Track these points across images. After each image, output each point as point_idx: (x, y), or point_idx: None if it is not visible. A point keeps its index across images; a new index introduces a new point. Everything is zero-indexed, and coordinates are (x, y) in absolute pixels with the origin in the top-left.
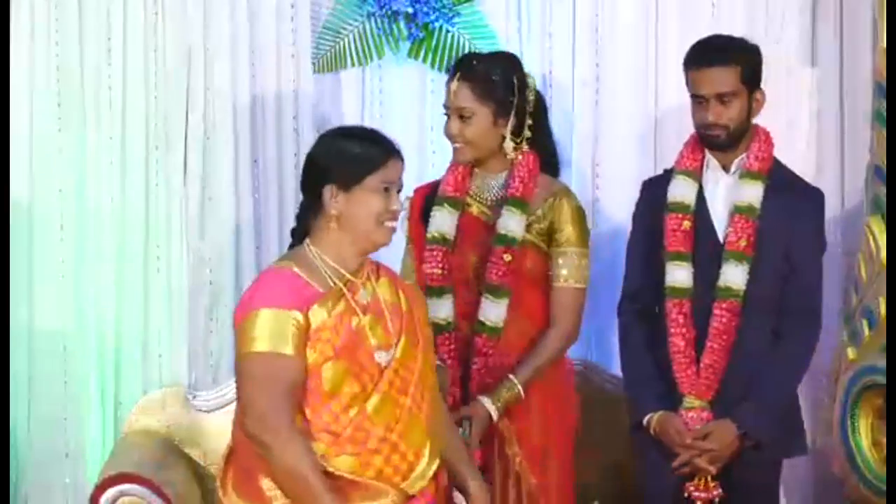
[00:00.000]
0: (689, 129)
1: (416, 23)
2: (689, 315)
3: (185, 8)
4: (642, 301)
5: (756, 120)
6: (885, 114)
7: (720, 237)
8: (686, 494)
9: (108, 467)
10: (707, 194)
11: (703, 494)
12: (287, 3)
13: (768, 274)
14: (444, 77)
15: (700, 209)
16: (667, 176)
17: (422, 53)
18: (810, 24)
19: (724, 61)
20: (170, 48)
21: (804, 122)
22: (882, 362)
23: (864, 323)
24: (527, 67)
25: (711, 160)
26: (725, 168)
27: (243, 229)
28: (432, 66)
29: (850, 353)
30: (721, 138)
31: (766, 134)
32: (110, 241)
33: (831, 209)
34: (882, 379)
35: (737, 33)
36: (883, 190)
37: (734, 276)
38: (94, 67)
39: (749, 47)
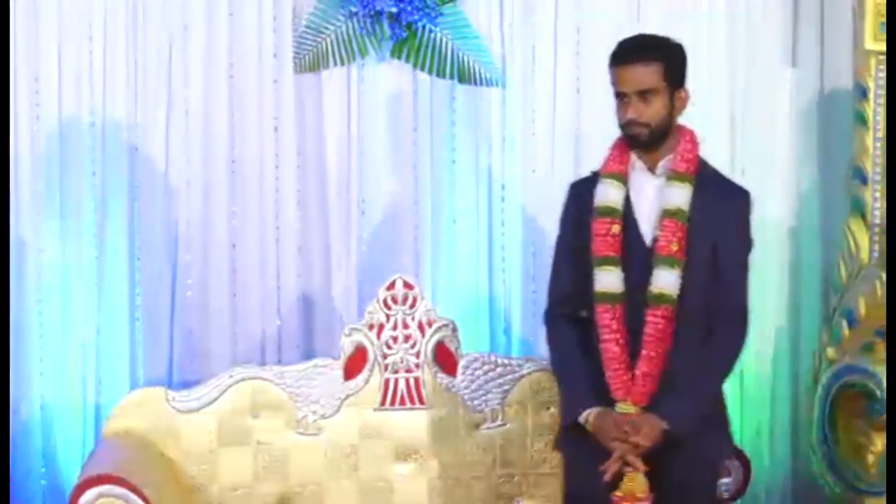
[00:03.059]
0: None
1: (400, 22)
2: (622, 320)
3: (165, 5)
4: (571, 306)
5: (738, 119)
6: (864, 115)
7: (647, 241)
8: None
9: (88, 468)
10: (633, 197)
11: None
12: (269, 2)
13: (700, 277)
14: (428, 77)
15: (627, 213)
16: (594, 178)
17: (405, 53)
18: (791, 25)
19: (646, 58)
20: (150, 45)
21: (784, 123)
22: (861, 362)
23: (844, 323)
24: (508, 66)
25: (637, 162)
26: (651, 170)
27: (221, 228)
28: (415, 65)
29: (830, 352)
30: (643, 136)
31: (692, 134)
32: (90, 240)
33: (812, 210)
34: (861, 379)
35: (719, 33)
36: (862, 190)
37: (666, 281)
38: (75, 69)
39: (672, 45)
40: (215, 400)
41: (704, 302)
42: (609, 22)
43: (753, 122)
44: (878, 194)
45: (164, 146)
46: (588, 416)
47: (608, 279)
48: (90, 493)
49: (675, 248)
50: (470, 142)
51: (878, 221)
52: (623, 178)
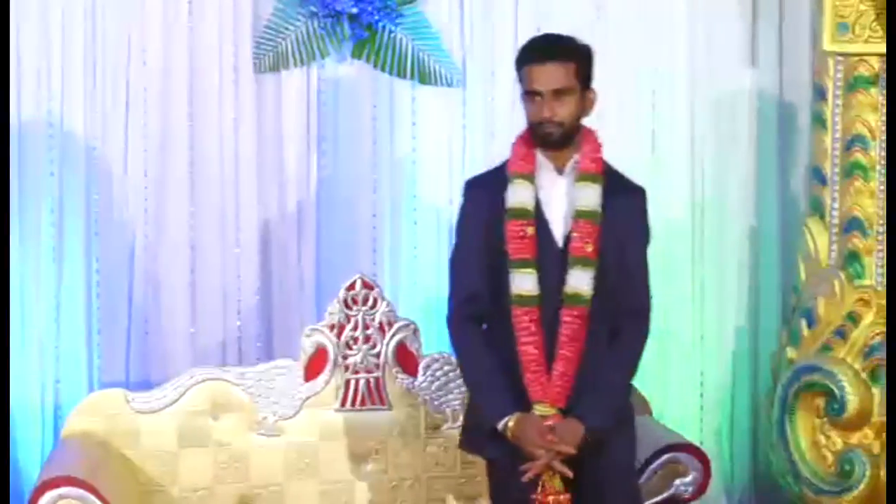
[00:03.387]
0: (630, 126)
1: (360, 23)
2: (539, 322)
3: (124, 5)
4: (476, 307)
5: (698, 119)
6: (822, 116)
7: (559, 241)
8: None
9: (47, 470)
10: (542, 197)
11: (552, 500)
12: (228, 2)
13: (611, 276)
14: (388, 77)
15: (537, 213)
16: (493, 177)
17: (365, 53)
18: (750, 25)
19: (561, 58)
20: (109, 45)
21: (744, 123)
22: (821, 362)
23: (804, 323)
24: (469, 67)
25: (544, 161)
26: (559, 170)
27: (179, 229)
28: (375, 66)
29: (790, 352)
30: (555, 135)
31: (595, 134)
32: (48, 241)
33: (772, 211)
34: (820, 378)
35: (679, 33)
36: (821, 191)
37: (580, 281)
38: (34, 68)
39: (582, 46)
40: (175, 401)
41: (614, 299)
42: (569, 22)
43: (713, 123)
44: (836, 195)
45: (122, 147)
46: (507, 422)
47: (525, 282)
48: (49, 495)
49: (589, 248)
50: (430, 142)
51: (836, 222)
52: (532, 178)
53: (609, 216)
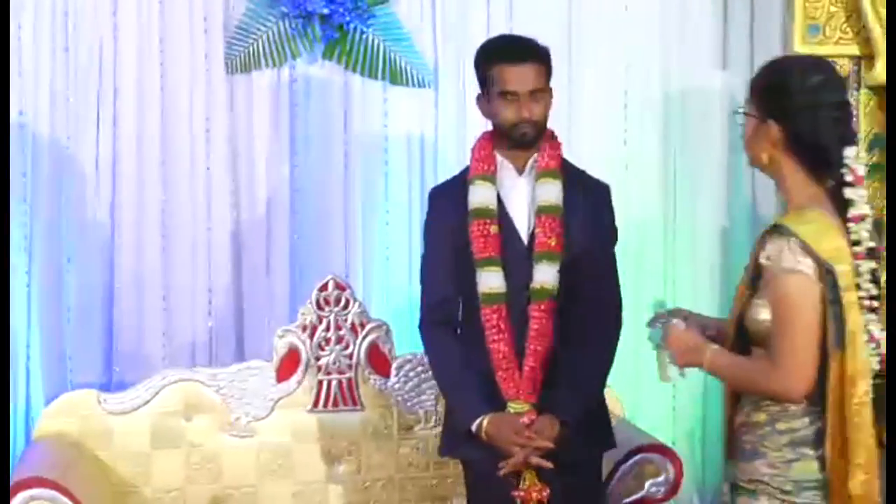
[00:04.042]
0: (601, 126)
1: (331, 24)
2: (507, 319)
3: (96, 5)
4: (447, 312)
5: (669, 121)
6: None
7: (523, 238)
8: (520, 502)
9: (18, 472)
10: (504, 196)
11: (535, 496)
12: (199, 3)
13: (575, 270)
14: (360, 78)
15: (500, 212)
16: (456, 182)
17: (336, 54)
18: (721, 26)
19: (534, 59)
20: (81, 47)
21: (716, 125)
22: None
23: None
24: (441, 68)
25: (504, 162)
26: (518, 170)
27: (150, 229)
28: (346, 66)
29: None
30: (530, 135)
31: (553, 132)
32: (20, 241)
33: (744, 212)
34: None
35: (651, 35)
36: None
37: (546, 276)
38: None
39: (546, 48)
40: (147, 402)
41: (581, 294)
42: (541, 24)
43: (685, 124)
44: None
45: (94, 147)
46: (482, 421)
47: (492, 280)
48: (21, 497)
49: (553, 242)
50: (402, 143)
51: None
52: (492, 179)
53: (573, 212)
